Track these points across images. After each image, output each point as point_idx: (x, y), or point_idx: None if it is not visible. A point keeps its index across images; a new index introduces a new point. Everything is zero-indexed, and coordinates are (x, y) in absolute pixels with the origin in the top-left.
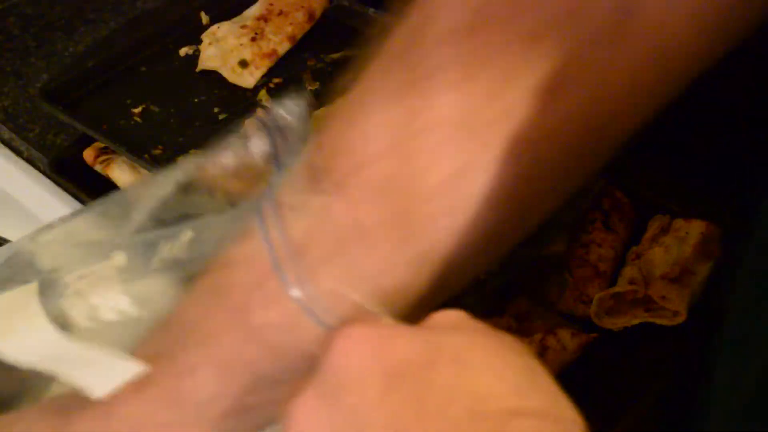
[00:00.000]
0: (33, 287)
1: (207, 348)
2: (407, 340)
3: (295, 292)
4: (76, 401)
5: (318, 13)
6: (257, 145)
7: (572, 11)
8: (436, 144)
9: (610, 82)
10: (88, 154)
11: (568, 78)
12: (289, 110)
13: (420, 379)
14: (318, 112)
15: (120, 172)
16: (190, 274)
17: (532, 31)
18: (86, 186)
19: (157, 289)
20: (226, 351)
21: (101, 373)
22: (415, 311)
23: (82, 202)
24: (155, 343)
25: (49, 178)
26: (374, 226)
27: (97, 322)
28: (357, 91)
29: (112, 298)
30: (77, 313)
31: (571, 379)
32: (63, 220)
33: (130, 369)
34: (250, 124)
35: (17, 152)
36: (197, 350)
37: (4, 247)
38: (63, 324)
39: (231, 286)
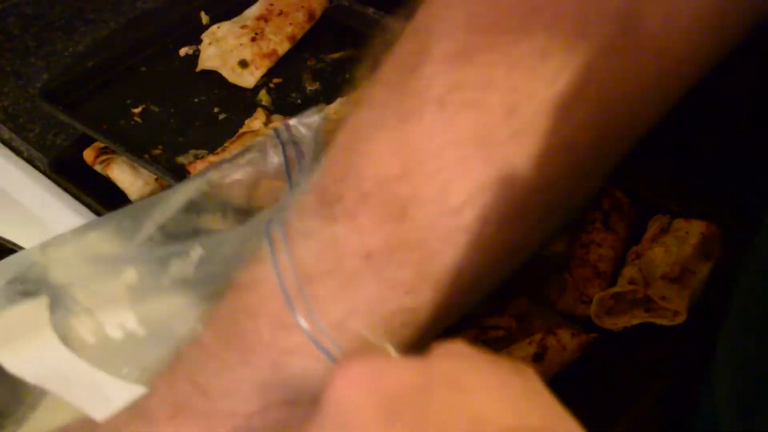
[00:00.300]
0: (44, 302)
1: (217, 367)
2: (401, 370)
3: (303, 323)
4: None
5: (318, 13)
6: (271, 159)
7: (579, 28)
8: (450, 165)
9: (618, 93)
10: (88, 154)
11: (580, 90)
12: (304, 124)
13: (417, 407)
14: (327, 113)
15: (120, 172)
16: (200, 294)
17: (543, 49)
18: (86, 186)
19: (166, 309)
20: (236, 369)
21: (103, 395)
22: (425, 333)
23: (82, 202)
24: (180, 372)
25: (49, 178)
26: (385, 256)
27: (103, 338)
28: (365, 108)
29: (119, 315)
30: (84, 329)
31: (571, 379)
32: (76, 232)
33: (131, 391)
34: (265, 136)
35: (17, 152)
36: (208, 368)
37: (15, 256)
38: (71, 340)
39: (242, 313)
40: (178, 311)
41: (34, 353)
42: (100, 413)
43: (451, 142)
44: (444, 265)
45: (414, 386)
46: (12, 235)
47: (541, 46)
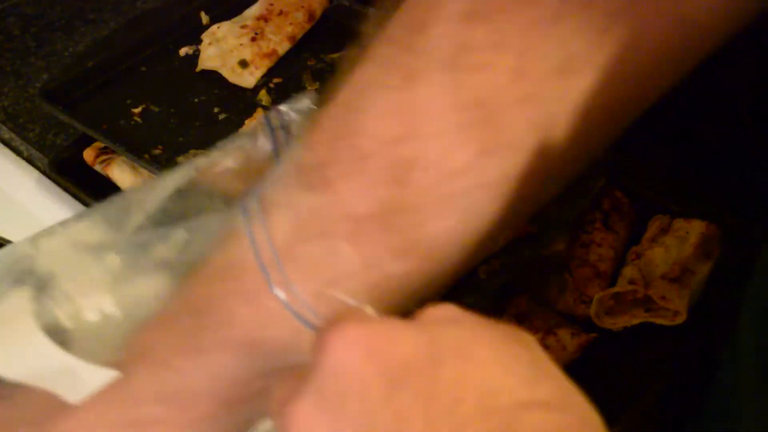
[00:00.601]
0: (27, 292)
1: (191, 346)
2: (405, 337)
3: (280, 294)
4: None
5: (318, 13)
6: (261, 144)
7: None
8: (454, 128)
9: (632, 58)
10: (88, 154)
11: (591, 55)
12: (295, 109)
13: (424, 377)
14: (317, 97)
15: (120, 172)
16: (180, 274)
17: (557, 11)
18: (86, 186)
19: (146, 290)
20: (211, 348)
21: (78, 379)
22: (408, 303)
23: (82, 202)
24: (139, 343)
25: (49, 178)
26: (376, 220)
27: (80, 322)
28: (368, 65)
29: (97, 299)
30: (62, 314)
31: (571, 379)
32: (64, 224)
33: (106, 375)
34: (256, 122)
35: (17, 152)
36: (182, 348)
37: (5, 250)
38: (52, 328)
39: (217, 286)
40: (159, 291)
41: (14, 348)
42: (74, 397)
43: (456, 105)
44: (439, 230)
45: (420, 355)
46: (12, 235)
47: (555, 8)
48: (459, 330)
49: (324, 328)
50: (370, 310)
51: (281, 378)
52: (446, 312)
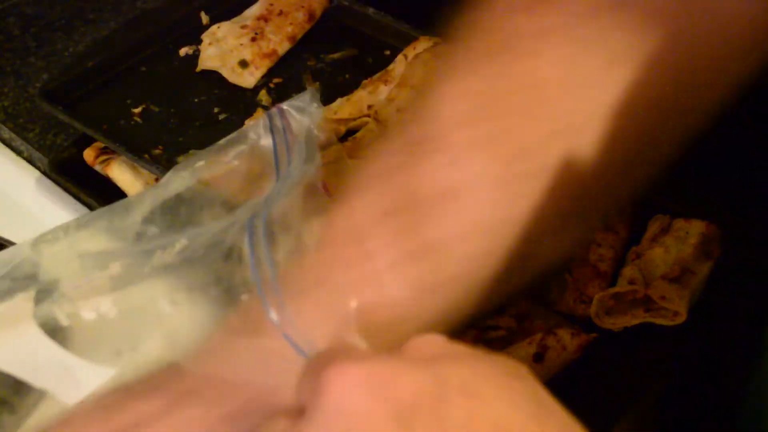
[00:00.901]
0: (29, 295)
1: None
2: (409, 375)
3: (273, 316)
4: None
5: (318, 13)
6: (262, 143)
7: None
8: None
9: (674, 57)
10: (88, 154)
11: (631, 51)
12: (296, 107)
13: (434, 416)
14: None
15: (120, 172)
16: (178, 277)
17: (591, 8)
18: (86, 186)
19: (144, 294)
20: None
21: (74, 379)
22: (400, 333)
23: (82, 202)
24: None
25: (49, 178)
26: (377, 253)
27: (77, 320)
28: (369, 161)
29: (95, 300)
30: (61, 313)
31: (571, 379)
32: (67, 229)
33: (102, 374)
34: (258, 120)
35: (17, 152)
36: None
37: (5, 252)
38: (51, 328)
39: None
40: (152, 293)
41: (14, 345)
42: (69, 397)
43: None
44: (432, 272)
45: (426, 393)
46: (12, 236)
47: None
48: (461, 366)
49: (317, 365)
50: (364, 345)
51: (271, 418)
52: (436, 345)
